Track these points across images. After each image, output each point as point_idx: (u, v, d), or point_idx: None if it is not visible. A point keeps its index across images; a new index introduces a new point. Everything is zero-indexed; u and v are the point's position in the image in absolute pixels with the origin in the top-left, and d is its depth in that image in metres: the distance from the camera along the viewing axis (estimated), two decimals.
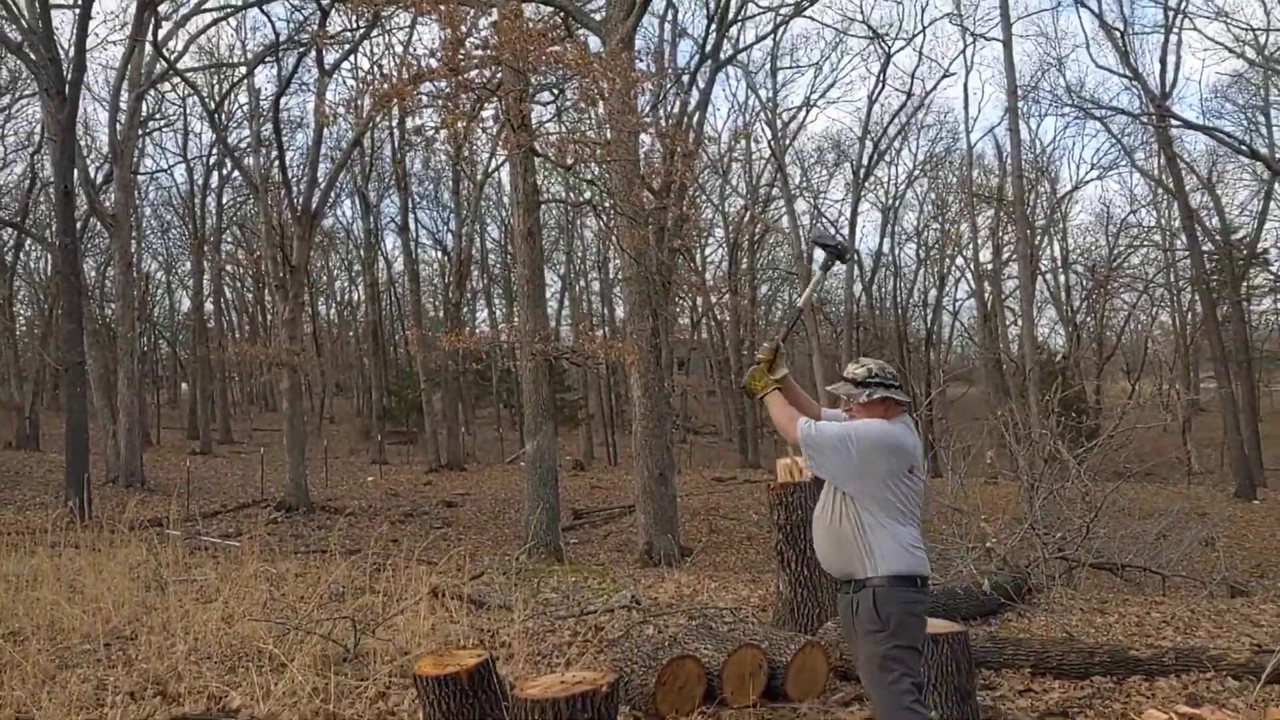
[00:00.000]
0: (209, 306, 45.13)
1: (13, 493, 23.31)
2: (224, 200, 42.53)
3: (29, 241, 39.02)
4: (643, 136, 16.99)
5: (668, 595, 11.22)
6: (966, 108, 61.16)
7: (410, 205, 40.75)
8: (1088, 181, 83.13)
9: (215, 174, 41.20)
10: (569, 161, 15.52)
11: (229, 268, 46.72)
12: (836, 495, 4.34)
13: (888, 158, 44.37)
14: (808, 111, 54.19)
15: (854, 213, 40.16)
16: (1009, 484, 16.84)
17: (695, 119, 25.22)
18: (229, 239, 45.98)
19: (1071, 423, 17.43)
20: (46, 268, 42.47)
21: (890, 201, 47.26)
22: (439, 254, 49.43)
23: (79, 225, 26.75)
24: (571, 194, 28.67)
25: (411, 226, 40.78)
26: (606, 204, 17.18)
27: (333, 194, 32.18)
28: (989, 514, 13.35)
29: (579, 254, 52.08)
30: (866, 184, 41.99)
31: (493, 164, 37.12)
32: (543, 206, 18.53)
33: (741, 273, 43.67)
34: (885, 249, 48.82)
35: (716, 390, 54.22)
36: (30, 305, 48.20)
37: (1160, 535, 15.03)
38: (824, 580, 7.69)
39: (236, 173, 37.08)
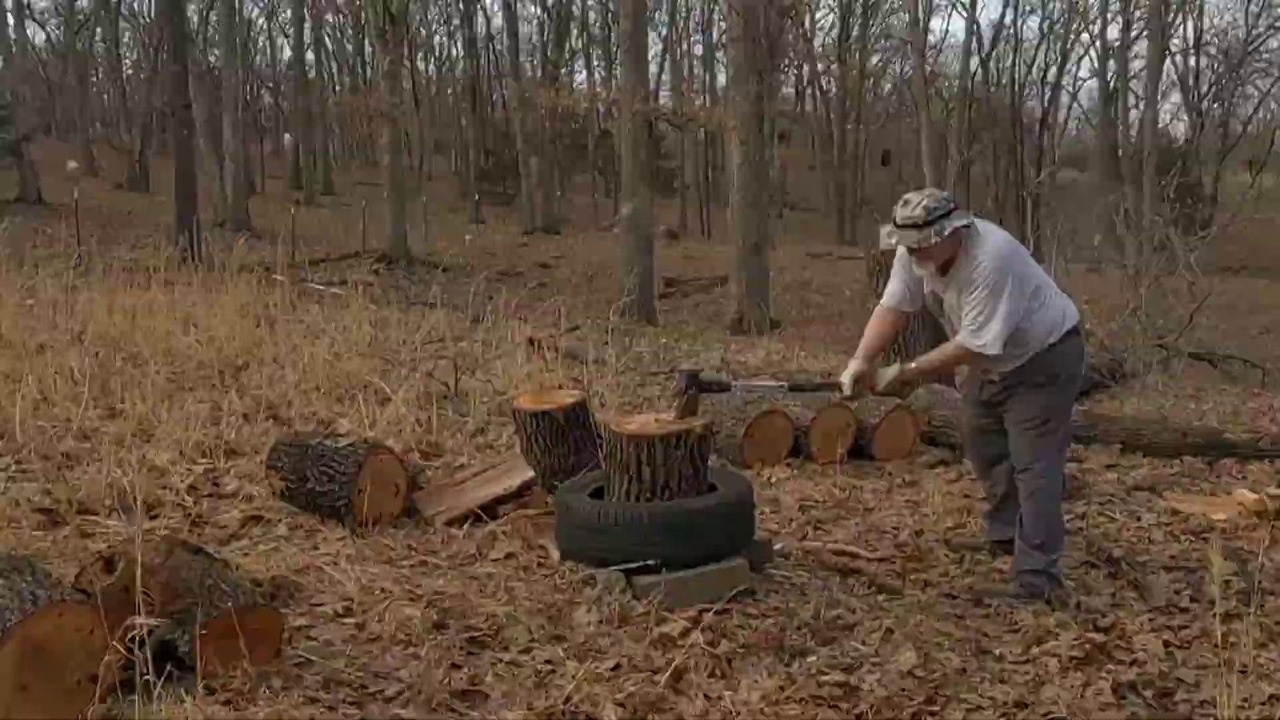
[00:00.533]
0: (309, 57, 44.91)
1: (125, 232, 24.14)
2: None
3: None
4: None
5: (757, 360, 11.36)
6: None
7: None
8: None
9: None
10: None
11: (330, 16, 46.14)
12: None
13: None
14: None
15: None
16: (1114, 272, 16.38)
17: None
18: None
19: (1185, 211, 16.72)
20: (150, 10, 42.39)
21: None
22: (538, 10, 48.06)
23: None
24: None
25: None
26: None
27: None
28: (1090, 299, 13.05)
29: (682, 15, 50.12)
30: None
31: None
32: None
33: (853, 40, 41.69)
34: (1007, 20, 46.11)
35: (816, 165, 52.94)
36: (136, 48, 48.49)
37: (1265, 330, 14.64)
38: (916, 349, 7.66)
39: None
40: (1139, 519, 5.42)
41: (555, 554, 4.21)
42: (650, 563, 3.82)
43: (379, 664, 3.28)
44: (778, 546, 4.54)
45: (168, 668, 2.96)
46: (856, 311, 22.34)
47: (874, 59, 50.20)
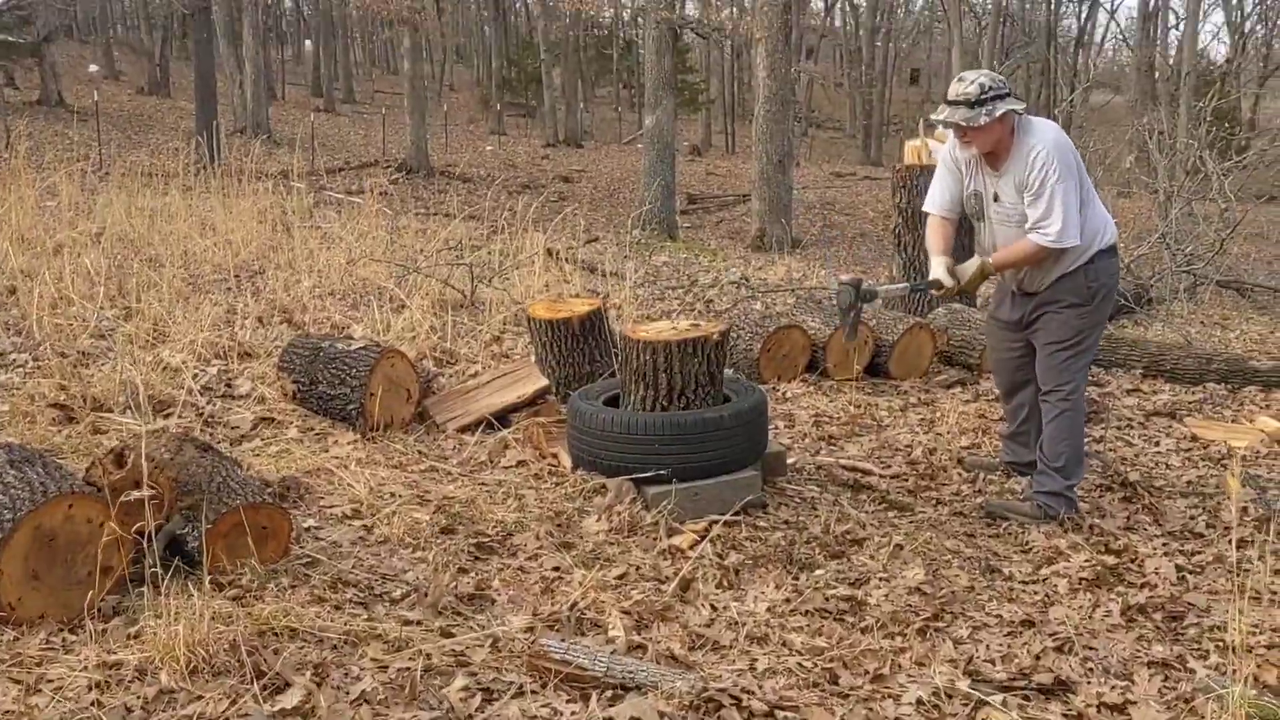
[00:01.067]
0: None
1: (145, 136, 24.03)
2: None
3: None
4: None
5: (777, 276, 11.27)
6: None
7: None
8: None
9: None
10: None
11: None
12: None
13: None
14: None
15: None
16: (1145, 196, 16.08)
17: None
18: None
19: (1222, 136, 16.34)
20: None
21: None
22: None
23: None
24: None
25: None
26: None
27: None
28: (1119, 222, 12.82)
29: None
30: None
31: None
32: None
33: None
34: None
35: (844, 82, 51.96)
36: None
37: None
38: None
39: None
40: (1157, 444, 5.37)
41: (567, 462, 4.20)
42: (662, 472, 3.80)
43: (386, 566, 3.28)
44: (790, 460, 4.51)
45: (175, 562, 2.97)
46: (877, 234, 22.17)
47: None
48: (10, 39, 26.82)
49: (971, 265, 4.25)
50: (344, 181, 20.15)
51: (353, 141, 29.12)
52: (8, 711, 2.39)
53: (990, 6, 39.17)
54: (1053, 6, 46.70)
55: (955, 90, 3.99)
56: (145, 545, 2.90)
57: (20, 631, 2.71)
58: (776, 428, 5.15)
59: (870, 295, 4.33)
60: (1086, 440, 5.26)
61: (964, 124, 3.95)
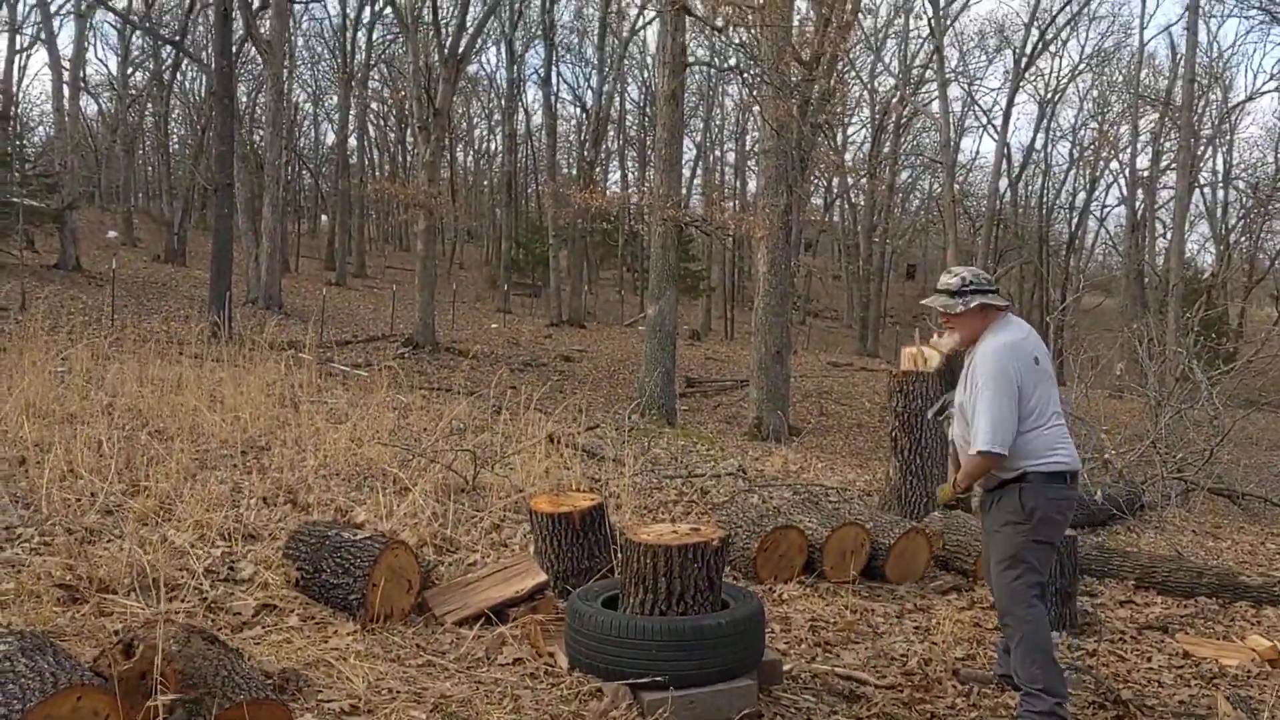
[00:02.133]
0: (352, 142, 46.04)
1: (159, 303, 24.57)
2: (374, 36, 42.84)
3: (186, 62, 40.10)
4: (798, 2, 16.47)
5: (774, 469, 11.39)
6: (1144, 1, 57.31)
7: (554, 58, 40.45)
8: (1263, 93, 79.22)
9: (368, 8, 41.41)
10: (719, 23, 15.14)
11: (374, 105, 47.39)
12: None
13: (1053, 48, 42.29)
14: None
15: (1009, 104, 38.56)
16: (1135, 400, 16.39)
17: None
18: (376, 76, 46.49)
19: (1209, 344, 16.77)
20: (201, 89, 43.63)
21: (1049, 95, 45.13)
22: (578, 110, 49.25)
23: (234, 49, 27.32)
24: (717, 59, 28.02)
25: (553, 80, 40.65)
26: (753, 71, 16.77)
27: (480, 40, 32.12)
28: (1110, 427, 13.05)
29: (717, 123, 51.23)
30: (1027, 74, 40.10)
31: (640, 20, 36.55)
32: (688, 69, 18.20)
33: (883, 156, 42.41)
34: (1038, 145, 46.89)
35: (842, 275, 53.40)
36: (184, 124, 49.77)
37: None
38: (933, 471, 7.70)
39: (389, 9, 37.30)
40: (1150, 660, 5.39)
41: (564, 662, 4.22)
42: (659, 679, 3.83)
43: None
44: (786, 668, 4.53)
45: None
46: (873, 424, 22.42)
47: (903, 175, 51.01)
48: (35, 204, 27.74)
49: (946, 486, 4.61)
50: (351, 355, 20.53)
51: (362, 315, 29.73)
52: None
53: (984, 210, 40.65)
54: (1044, 213, 48.50)
55: (943, 280, 4.42)
56: None
57: None
58: (773, 631, 5.18)
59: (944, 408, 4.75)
60: (1079, 652, 5.30)
61: (943, 310, 4.35)
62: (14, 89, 38.37)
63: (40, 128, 46.98)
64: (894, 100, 41.79)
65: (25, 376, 9.10)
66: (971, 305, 4.28)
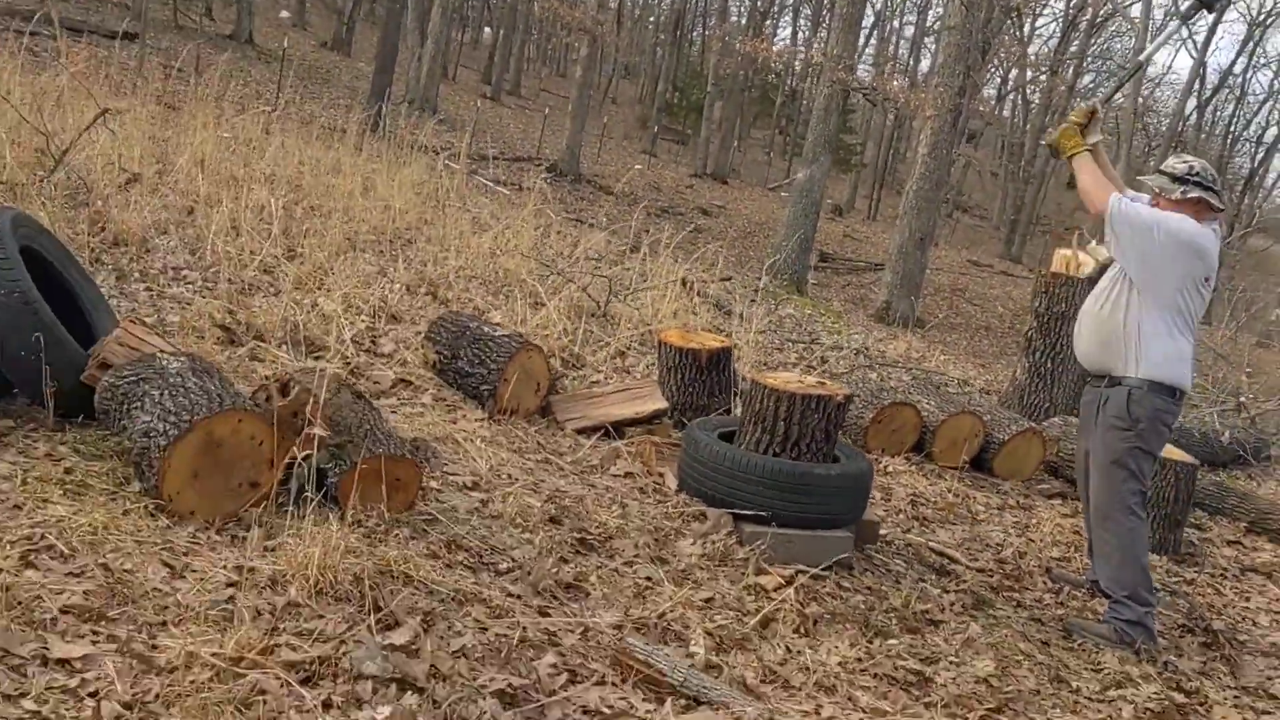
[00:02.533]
0: None
1: (322, 89, 25.05)
2: None
3: None
4: None
5: (896, 352, 11.31)
6: None
7: None
8: None
9: None
10: None
11: None
12: (1120, 287, 4.20)
13: None
14: None
15: (1216, 21, 35.92)
16: None
17: None
18: None
19: None
20: None
21: (1262, 17, 41.81)
22: None
23: None
24: None
25: None
26: None
27: None
28: (1252, 372, 12.57)
29: None
30: None
31: None
32: None
33: (1069, 55, 40.14)
34: (1236, 69, 43.78)
35: (1000, 174, 51.39)
36: None
37: None
38: (1062, 377, 7.59)
39: None
40: (1248, 600, 5.34)
41: (673, 483, 4.40)
42: (762, 513, 3.97)
43: (496, 539, 3.52)
44: (883, 532, 4.64)
45: (311, 493, 3.24)
46: (1002, 329, 21.94)
47: (1086, 78, 48.26)
48: None
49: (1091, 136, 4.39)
50: (497, 171, 20.77)
51: (511, 133, 29.90)
52: (155, 589, 2.68)
53: (1165, 129, 38.42)
54: (1228, 143, 45.60)
55: (1169, 163, 4.30)
56: (297, 469, 3.19)
57: (172, 522, 3.01)
58: (874, 498, 5.27)
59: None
60: (1177, 580, 5.28)
61: (1159, 191, 4.22)
62: None
63: None
64: None
65: (197, 135, 9.48)
66: (1190, 195, 4.13)
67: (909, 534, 4.93)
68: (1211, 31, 35.89)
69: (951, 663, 3.60)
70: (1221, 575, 5.66)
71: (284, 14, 38.85)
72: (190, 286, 5.47)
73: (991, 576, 4.67)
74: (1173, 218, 4.10)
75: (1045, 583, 4.77)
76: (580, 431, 4.93)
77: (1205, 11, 4.53)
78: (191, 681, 2.33)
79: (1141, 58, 5.04)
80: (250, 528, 3.06)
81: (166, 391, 3.12)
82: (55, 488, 2.97)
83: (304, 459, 3.17)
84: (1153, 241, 4.05)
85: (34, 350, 3.19)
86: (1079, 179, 4.31)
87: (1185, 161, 4.25)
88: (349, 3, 38.31)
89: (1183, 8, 4.59)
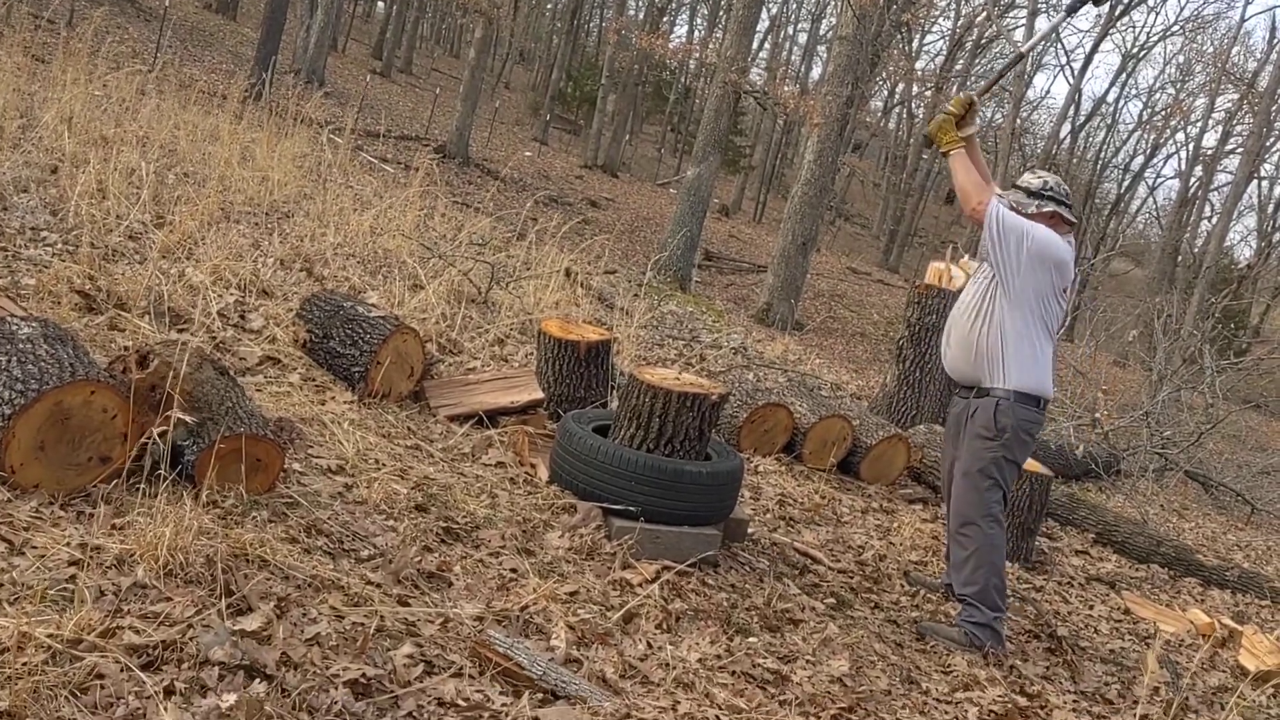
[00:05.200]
0: None
1: (204, 53, 24.24)
2: None
3: None
4: None
5: (774, 353, 11.49)
6: None
7: None
8: None
9: None
10: None
11: None
12: (987, 298, 4.32)
13: (1151, 2, 40.77)
14: None
15: (1093, 49, 37.52)
16: (1138, 371, 16.45)
17: None
18: None
19: (1226, 334, 16.78)
20: None
21: (1135, 50, 43.82)
22: None
23: None
24: None
25: None
26: None
27: None
28: (1108, 389, 13.15)
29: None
30: (1118, 24, 38.78)
31: None
32: None
33: (954, 72, 41.35)
34: (1110, 98, 45.77)
35: (882, 184, 52.67)
36: None
37: (1265, 472, 14.72)
38: (930, 386, 7.80)
39: None
40: (1091, 608, 5.58)
41: (544, 475, 4.37)
42: (631, 509, 3.98)
43: (359, 525, 3.44)
44: (749, 531, 4.70)
45: (172, 473, 3.12)
46: (877, 336, 22.51)
47: None
48: None
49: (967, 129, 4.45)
50: (383, 148, 20.38)
51: (400, 111, 29.38)
52: None
53: (1039, 151, 39.90)
54: (1098, 168, 47.62)
55: (1024, 178, 4.40)
56: (151, 445, 3.06)
57: (14, 495, 2.86)
58: (742, 497, 5.33)
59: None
60: (1026, 586, 5.48)
61: (1014, 205, 4.30)
62: None
63: None
64: (980, 18, 40.54)
65: (67, 91, 9.05)
66: (1045, 210, 4.26)
67: (775, 533, 5.00)
68: (1088, 60, 37.50)
69: (809, 662, 3.66)
70: (1069, 583, 5.90)
71: None
72: (50, 249, 5.21)
73: (852, 578, 4.77)
74: (1040, 228, 4.23)
75: (903, 585, 4.89)
76: (453, 419, 4.86)
77: (1091, 4, 4.63)
78: (24, 664, 2.22)
79: (1024, 49, 5.14)
80: (98, 504, 2.93)
81: (15, 358, 2.96)
82: None
83: (160, 435, 3.04)
84: (1024, 250, 4.17)
85: None
86: (955, 178, 4.35)
87: (1040, 176, 4.38)
88: None
89: (1069, 2, 4.69)
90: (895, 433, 6.72)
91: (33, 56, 11.25)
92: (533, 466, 4.48)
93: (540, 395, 5.08)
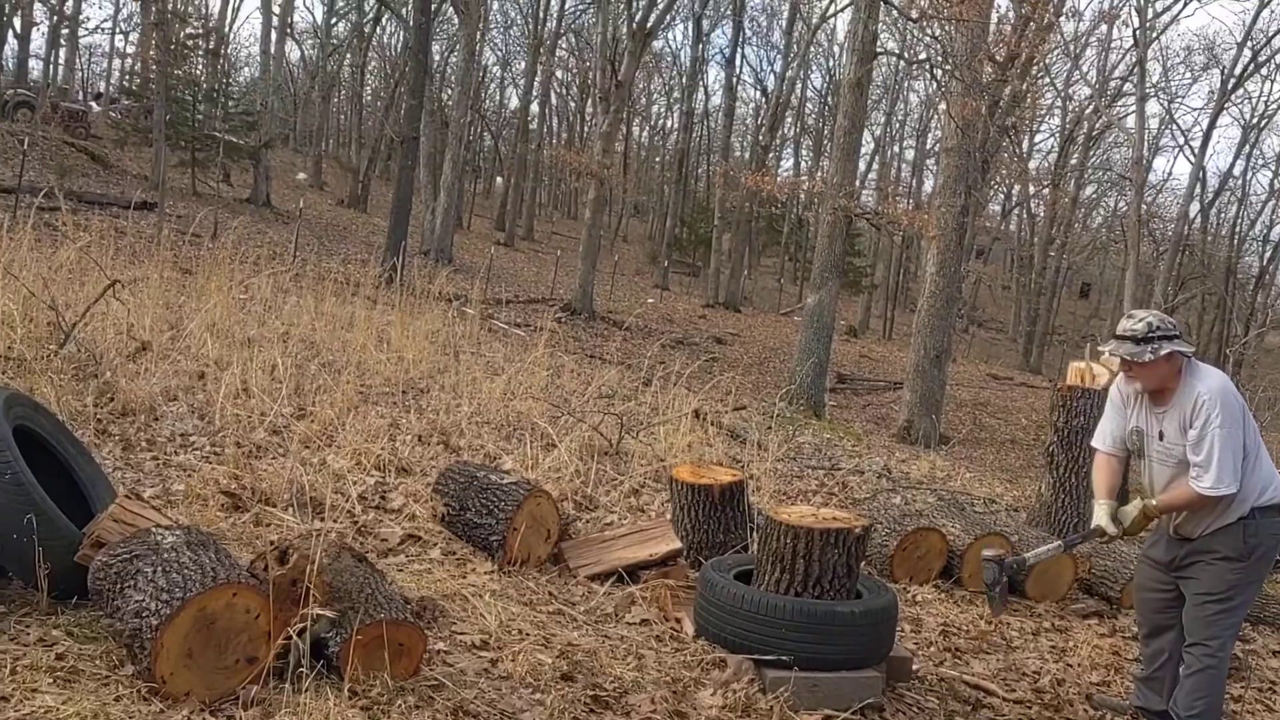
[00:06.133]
0: (534, 108, 46.83)
1: (339, 245, 25.64)
2: (566, 5, 43.48)
3: (386, 16, 41.54)
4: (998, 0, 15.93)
5: (920, 472, 11.14)
6: None
7: (741, 39, 40.35)
8: None
9: None
10: (914, 15, 14.81)
11: (559, 73, 48.18)
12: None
13: (1264, 71, 39.68)
14: (1185, 4, 48.86)
15: (1211, 125, 36.53)
16: None
17: None
18: (564, 45, 47.20)
19: None
20: (398, 44, 45.22)
21: (1255, 120, 42.52)
22: (757, 94, 49.07)
23: (433, 7, 28.11)
24: (907, 51, 27.42)
25: (737, 62, 40.48)
26: (944, 67, 16.35)
27: (668, 15, 32.19)
28: None
29: (898, 118, 50.29)
30: (1233, 96, 37.84)
31: (833, 7, 36.06)
32: (876, 59, 17.86)
33: (1069, 168, 40.80)
34: (1236, 171, 44.27)
35: (1012, 286, 51.71)
36: (378, 77, 51.69)
37: None
38: (1087, 492, 7.41)
39: None
40: None
41: (690, 629, 4.25)
42: (785, 658, 3.82)
43: (506, 703, 3.38)
44: (914, 667, 4.45)
45: (317, 664, 3.13)
46: (1028, 442, 21.69)
47: (1088, 189, 49.01)
48: (235, 140, 29.33)
49: (1133, 509, 4.22)
50: (511, 314, 21.00)
51: (525, 277, 30.37)
52: None
53: (1170, 234, 38.69)
54: (1235, 243, 45.85)
55: (1124, 326, 4.13)
56: (294, 642, 3.08)
57: (165, 706, 2.90)
58: (903, 630, 5.09)
59: (1018, 568, 4.47)
60: (1225, 699, 5.03)
61: (1129, 359, 4.06)
62: (226, 29, 40.47)
63: (246, 69, 49.63)
64: (1088, 110, 40.13)
65: (211, 299, 9.62)
66: (1162, 352, 4.00)
67: (941, 667, 4.74)
68: (1207, 137, 36.44)
69: None
70: (1270, 689, 5.40)
71: (301, 176, 40.02)
72: (197, 453, 5.44)
73: (1030, 708, 4.46)
74: (1208, 403, 3.97)
75: (1086, 710, 4.55)
76: (593, 578, 4.80)
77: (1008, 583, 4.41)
78: None
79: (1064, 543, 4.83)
80: (248, 706, 2.95)
81: (160, 568, 3.04)
82: (45, 675, 2.87)
83: (299, 632, 3.06)
84: (1230, 427, 3.96)
85: (26, 532, 3.14)
86: (1177, 509, 4.17)
87: (1140, 320, 4.10)
88: (363, 162, 39.50)
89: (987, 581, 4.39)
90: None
91: (181, 270, 12.03)
92: (678, 621, 4.37)
93: (678, 545, 4.99)
